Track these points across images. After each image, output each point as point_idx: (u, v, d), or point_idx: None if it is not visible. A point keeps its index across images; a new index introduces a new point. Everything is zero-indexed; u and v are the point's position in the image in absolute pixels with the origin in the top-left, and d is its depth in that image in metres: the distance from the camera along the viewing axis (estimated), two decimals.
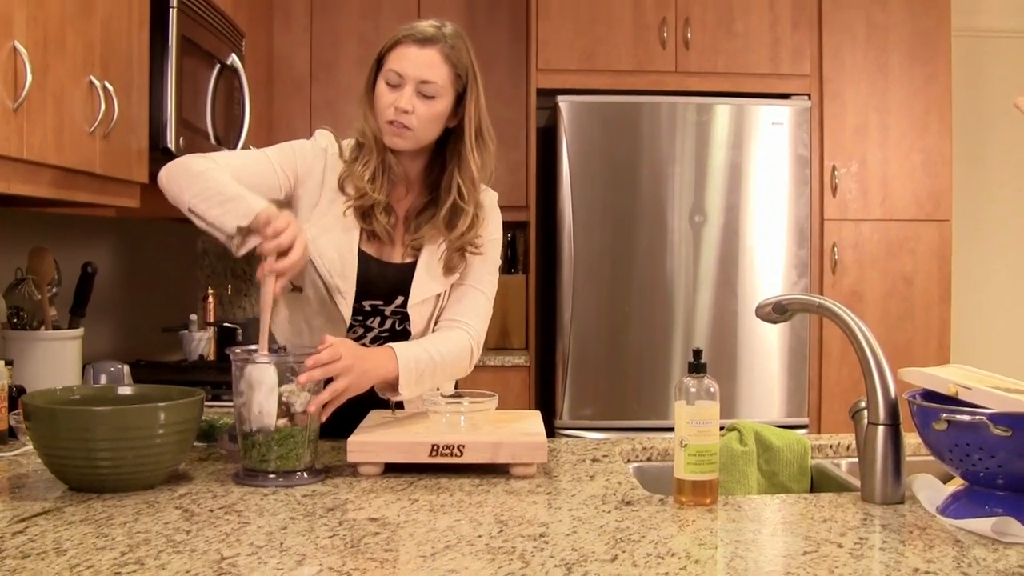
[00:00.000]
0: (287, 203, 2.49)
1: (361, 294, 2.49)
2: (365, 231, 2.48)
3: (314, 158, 2.50)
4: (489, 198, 2.60)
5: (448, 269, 2.50)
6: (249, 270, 5.38)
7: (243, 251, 2.24)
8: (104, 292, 3.78)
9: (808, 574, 1.52)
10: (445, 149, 2.52)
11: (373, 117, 2.45)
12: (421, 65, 2.38)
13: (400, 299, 2.51)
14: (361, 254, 2.48)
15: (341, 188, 2.47)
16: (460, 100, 2.46)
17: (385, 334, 2.53)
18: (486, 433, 2.21)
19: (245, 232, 2.19)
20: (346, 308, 2.47)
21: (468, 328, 2.51)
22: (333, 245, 2.45)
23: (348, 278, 2.46)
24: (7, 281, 3.00)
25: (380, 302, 2.51)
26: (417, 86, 2.38)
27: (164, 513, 1.82)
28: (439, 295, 2.53)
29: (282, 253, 2.14)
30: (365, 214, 2.46)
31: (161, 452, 1.99)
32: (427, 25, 2.43)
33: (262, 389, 2.07)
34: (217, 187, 2.27)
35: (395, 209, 2.53)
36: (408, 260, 2.52)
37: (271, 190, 2.41)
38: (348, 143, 2.53)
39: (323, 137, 2.55)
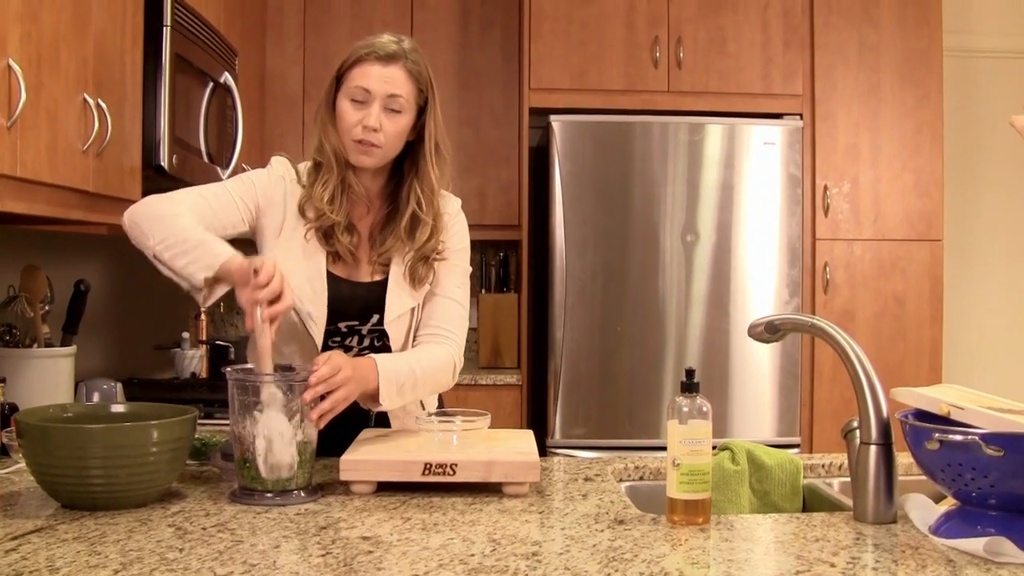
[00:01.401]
0: (251, 234, 2.50)
1: (335, 316, 2.49)
2: (330, 253, 2.48)
3: (273, 187, 2.50)
4: (452, 205, 2.61)
5: (415, 280, 2.51)
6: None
7: (210, 302, 2.26)
8: (97, 310, 3.77)
9: None
10: (403, 163, 2.53)
11: (336, 135, 2.45)
12: (387, 80, 2.40)
13: (375, 317, 2.51)
14: (330, 277, 2.48)
15: (302, 212, 2.47)
16: (420, 114, 2.47)
17: (365, 352, 2.53)
18: (479, 452, 2.20)
19: (211, 283, 2.21)
20: (317, 333, 2.47)
21: (449, 341, 2.52)
22: (300, 271, 2.45)
23: (318, 303, 2.46)
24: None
25: (356, 322, 2.52)
26: (384, 101, 2.39)
27: (157, 531, 1.82)
28: (414, 308, 2.54)
29: (273, 299, 2.14)
30: (326, 235, 2.47)
31: (154, 470, 1.99)
32: (387, 41, 2.44)
33: (281, 440, 2.07)
34: (181, 234, 2.27)
35: (357, 228, 2.53)
36: (377, 278, 2.53)
37: (235, 224, 2.43)
38: (305, 166, 2.54)
39: (279, 165, 2.55)
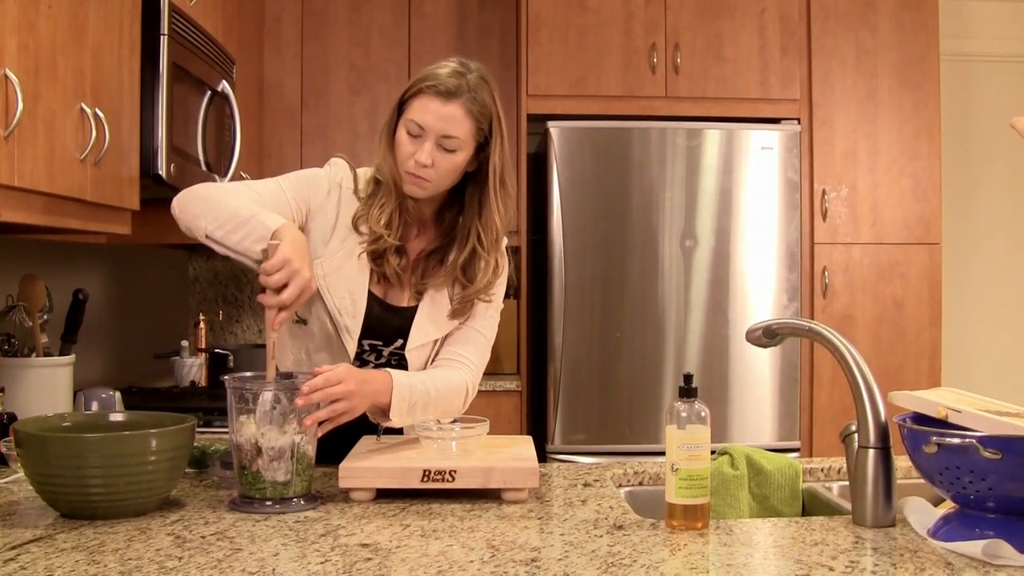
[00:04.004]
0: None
1: (365, 334, 2.47)
2: (376, 272, 2.46)
3: (327, 194, 2.46)
4: (502, 243, 2.56)
5: (455, 315, 2.49)
6: (240, 296, 5.39)
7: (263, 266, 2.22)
8: (95, 319, 3.78)
9: None
10: (463, 192, 2.48)
11: (393, 161, 2.41)
12: (444, 120, 2.33)
13: (399, 341, 2.49)
14: (370, 295, 2.46)
15: (355, 226, 2.44)
16: (481, 148, 2.42)
17: (380, 367, 2.52)
18: (478, 458, 2.21)
19: (266, 254, 2.17)
20: (351, 345, 2.45)
21: (467, 368, 2.51)
22: (344, 284, 2.43)
23: (357, 318, 2.44)
24: None
25: (380, 343, 2.50)
26: (438, 139, 2.33)
27: (156, 540, 1.82)
28: (436, 340, 2.52)
29: (280, 289, 2.12)
30: (377, 257, 2.44)
31: (153, 479, 1.99)
32: (450, 73, 2.36)
33: (282, 458, 2.08)
34: (231, 210, 2.26)
35: (406, 250, 2.50)
36: (412, 304, 2.50)
37: None
38: (364, 173, 2.50)
39: (338, 168, 2.51)
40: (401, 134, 2.38)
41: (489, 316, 2.57)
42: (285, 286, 2.11)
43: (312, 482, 2.15)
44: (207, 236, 2.27)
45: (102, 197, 2.74)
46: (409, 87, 2.40)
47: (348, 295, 2.44)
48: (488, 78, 2.43)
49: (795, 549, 1.80)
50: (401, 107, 2.41)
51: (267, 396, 2.08)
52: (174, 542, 1.81)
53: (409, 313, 2.49)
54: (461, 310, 2.50)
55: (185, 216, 2.32)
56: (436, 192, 2.43)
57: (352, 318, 2.44)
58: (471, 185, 2.47)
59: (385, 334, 2.49)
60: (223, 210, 2.27)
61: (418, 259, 2.52)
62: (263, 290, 2.14)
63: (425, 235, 2.54)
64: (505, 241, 2.58)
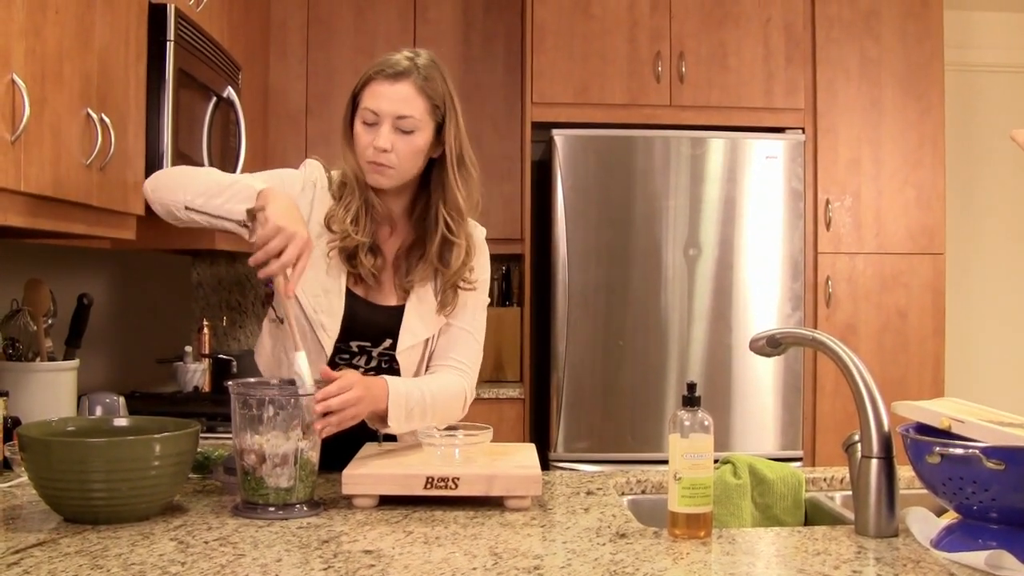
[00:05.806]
0: None
1: (347, 334, 2.45)
2: (351, 273, 2.45)
3: (302, 192, 2.45)
4: (478, 233, 2.57)
5: (441, 306, 2.48)
6: (244, 302, 5.39)
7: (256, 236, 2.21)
8: (100, 323, 3.78)
9: None
10: (428, 182, 2.47)
11: (353, 157, 2.42)
12: (396, 101, 2.34)
13: (388, 341, 2.48)
14: (349, 295, 2.44)
15: (328, 225, 2.43)
16: (440, 130, 2.41)
17: (371, 373, 2.50)
18: (481, 466, 2.21)
19: (253, 216, 2.16)
20: (328, 344, 2.43)
21: (463, 373, 2.50)
22: (319, 282, 2.41)
23: (334, 316, 2.42)
24: (2, 312, 3.00)
25: (368, 343, 2.49)
26: (394, 122, 2.34)
27: (159, 545, 1.82)
28: (428, 340, 2.51)
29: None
30: (350, 256, 2.42)
31: (156, 484, 1.99)
32: (400, 58, 2.38)
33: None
34: (210, 179, 2.28)
35: (383, 250, 2.49)
36: (397, 303, 2.49)
37: None
38: (337, 175, 2.49)
39: (313, 169, 2.51)
40: (358, 126, 2.39)
41: (477, 313, 2.57)
42: (283, 250, 2.11)
43: (315, 488, 2.15)
44: (187, 207, 2.26)
45: (107, 202, 2.74)
46: (359, 80, 2.41)
47: (324, 294, 2.42)
48: (439, 63, 2.44)
49: (797, 558, 1.80)
50: (355, 101, 2.42)
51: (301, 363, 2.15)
52: (177, 547, 1.81)
53: (395, 313, 2.48)
54: (445, 300, 2.48)
55: (160, 194, 2.32)
56: (402, 180, 2.42)
57: (328, 316, 2.42)
58: (435, 171, 2.46)
59: (371, 334, 2.48)
60: (203, 181, 2.29)
61: (398, 257, 2.51)
62: (260, 266, 2.14)
63: (399, 234, 2.53)
64: (483, 231, 2.60)
